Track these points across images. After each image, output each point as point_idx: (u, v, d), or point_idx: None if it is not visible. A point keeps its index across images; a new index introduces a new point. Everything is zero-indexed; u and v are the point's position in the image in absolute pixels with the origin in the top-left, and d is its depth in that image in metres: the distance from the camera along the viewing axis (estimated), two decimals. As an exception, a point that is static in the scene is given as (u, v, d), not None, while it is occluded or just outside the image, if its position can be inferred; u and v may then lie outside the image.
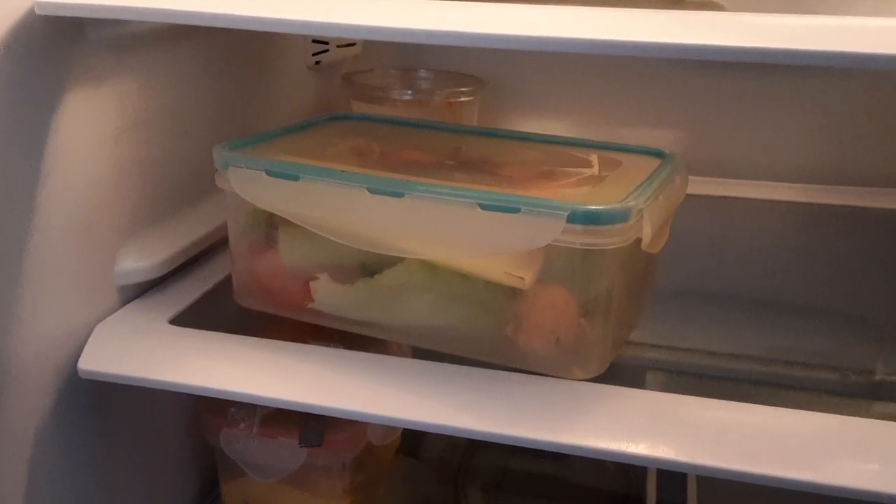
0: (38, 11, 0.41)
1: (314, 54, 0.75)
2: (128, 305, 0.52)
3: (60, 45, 0.44)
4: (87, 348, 0.48)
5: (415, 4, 0.41)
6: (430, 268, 0.46)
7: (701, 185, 0.75)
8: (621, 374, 0.47)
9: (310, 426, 0.55)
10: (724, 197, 0.77)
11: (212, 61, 0.59)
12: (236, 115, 0.64)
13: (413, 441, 0.71)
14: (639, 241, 0.43)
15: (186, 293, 0.54)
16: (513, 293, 0.44)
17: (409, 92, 0.74)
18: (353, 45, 0.82)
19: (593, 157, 0.53)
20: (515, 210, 0.41)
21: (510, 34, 0.38)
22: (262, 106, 0.68)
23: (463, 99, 0.73)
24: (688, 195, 0.52)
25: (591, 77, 0.82)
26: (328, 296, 0.49)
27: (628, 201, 0.42)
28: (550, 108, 0.85)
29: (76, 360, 0.47)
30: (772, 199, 0.77)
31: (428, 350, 0.48)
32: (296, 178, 0.46)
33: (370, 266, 0.47)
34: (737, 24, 0.37)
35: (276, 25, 0.40)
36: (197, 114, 0.58)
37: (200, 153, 0.54)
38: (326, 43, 0.77)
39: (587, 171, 0.50)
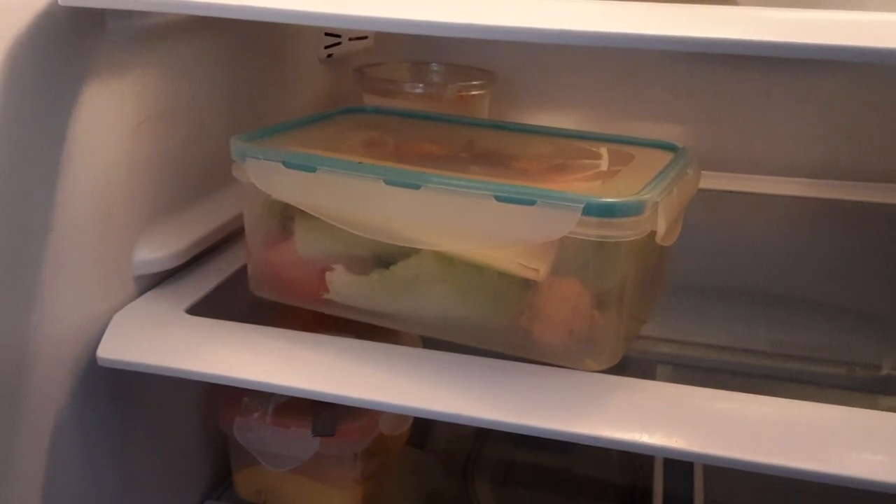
0: (61, 3, 0.41)
1: (326, 47, 0.75)
2: (145, 295, 0.53)
3: (81, 36, 0.45)
4: (105, 337, 0.48)
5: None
6: (445, 259, 0.46)
7: (710, 180, 0.75)
8: (632, 367, 0.48)
9: (322, 416, 0.56)
10: (733, 192, 0.77)
11: (226, 53, 0.60)
12: (250, 106, 0.64)
13: (421, 433, 0.71)
14: (653, 234, 0.44)
15: (203, 283, 0.54)
16: (527, 285, 0.45)
17: (421, 85, 0.74)
18: (364, 38, 0.82)
19: (605, 151, 0.53)
20: (531, 202, 0.42)
21: (523, 27, 0.38)
22: (275, 98, 0.68)
23: (474, 92, 0.73)
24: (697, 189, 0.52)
25: (601, 71, 0.82)
26: (343, 286, 0.49)
27: (643, 194, 0.43)
28: (561, 101, 0.85)
29: (94, 349, 0.48)
30: (780, 193, 0.77)
31: (442, 340, 0.48)
32: (313, 170, 0.46)
33: (385, 257, 0.48)
34: (748, 18, 0.37)
35: (295, 17, 0.41)
36: (212, 105, 0.59)
37: (216, 144, 0.54)
38: (339, 36, 0.77)
39: (600, 165, 0.51)
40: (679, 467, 0.65)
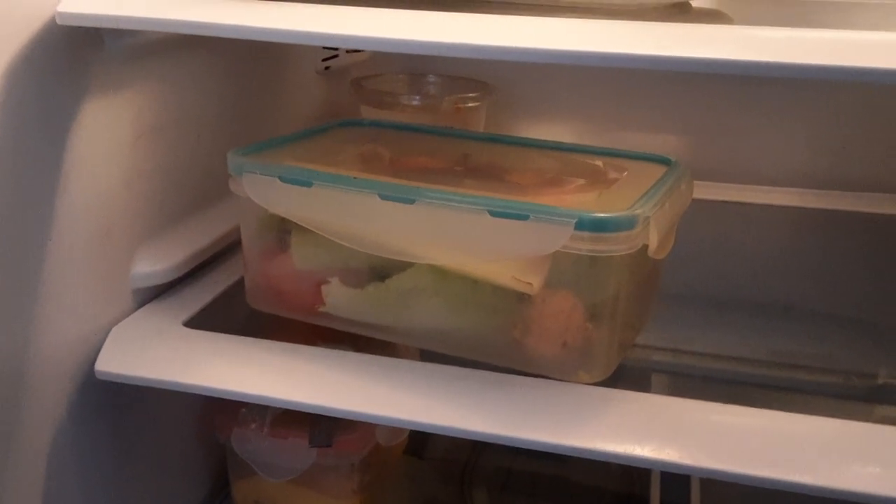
0: (59, 21, 0.42)
1: (324, 59, 0.76)
2: (143, 308, 0.53)
3: (79, 53, 0.45)
4: (103, 350, 0.48)
5: (426, 16, 0.41)
6: (440, 272, 0.47)
7: (705, 191, 0.76)
8: (626, 376, 0.48)
9: (319, 427, 0.56)
10: (727, 202, 0.78)
11: (223, 68, 0.60)
12: (247, 120, 0.65)
13: (419, 442, 0.71)
14: (645, 247, 0.44)
15: (200, 296, 0.55)
16: (521, 298, 0.45)
17: (418, 97, 0.74)
18: (362, 50, 0.83)
19: (599, 164, 0.53)
20: (524, 217, 0.42)
21: (520, 47, 0.38)
22: (273, 111, 0.69)
23: (470, 104, 0.73)
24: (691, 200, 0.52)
25: (596, 84, 0.83)
26: (339, 299, 0.50)
27: (635, 209, 0.43)
28: (556, 114, 0.85)
29: (93, 362, 0.48)
30: (774, 204, 0.77)
31: (437, 353, 0.48)
32: (309, 185, 0.47)
33: (381, 270, 0.48)
34: (744, 38, 0.38)
35: (291, 37, 0.41)
36: (209, 119, 0.59)
37: (213, 158, 0.55)
38: (336, 48, 0.78)
39: (594, 178, 0.51)
40: (676, 477, 0.65)
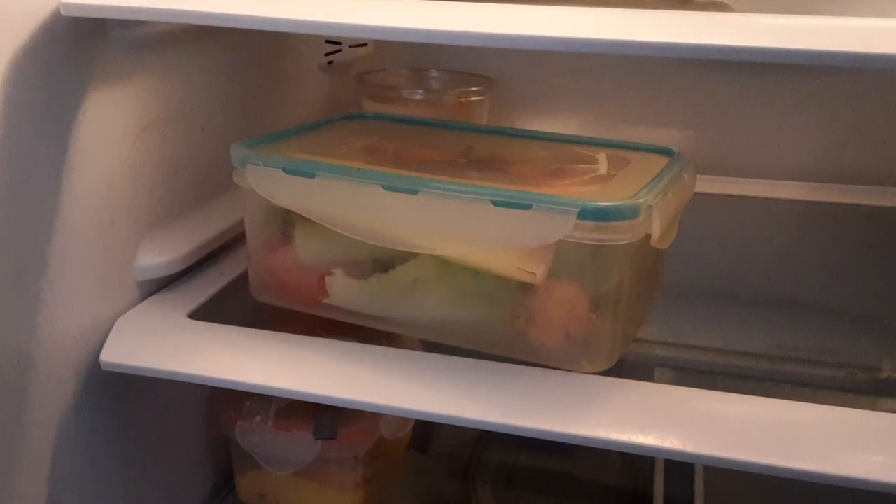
0: (63, 12, 0.42)
1: (327, 54, 0.76)
2: (148, 300, 0.53)
3: (84, 45, 0.46)
4: (108, 341, 0.49)
5: (429, 5, 0.42)
6: (443, 263, 0.47)
7: (707, 184, 0.76)
8: (630, 370, 0.48)
9: (324, 419, 0.56)
10: (731, 195, 0.78)
11: (228, 61, 0.60)
12: (251, 113, 0.65)
13: (423, 436, 0.71)
14: (648, 237, 0.44)
15: (204, 288, 0.55)
16: (524, 288, 0.45)
17: (421, 91, 0.75)
18: (365, 44, 0.83)
19: (602, 156, 0.53)
20: (527, 206, 0.42)
21: (522, 34, 0.38)
22: (276, 104, 0.69)
23: (473, 98, 0.73)
24: (694, 193, 0.52)
25: (599, 76, 0.83)
26: (343, 291, 0.50)
27: (638, 198, 0.43)
28: (559, 106, 0.86)
29: (98, 353, 0.48)
30: (778, 197, 0.77)
31: (440, 343, 0.48)
32: (312, 176, 0.47)
33: (384, 261, 0.48)
34: (744, 25, 0.38)
35: (295, 26, 0.41)
36: (213, 112, 0.59)
37: (217, 151, 0.55)
38: (339, 43, 0.78)
39: (597, 169, 0.51)
40: (680, 470, 0.65)
